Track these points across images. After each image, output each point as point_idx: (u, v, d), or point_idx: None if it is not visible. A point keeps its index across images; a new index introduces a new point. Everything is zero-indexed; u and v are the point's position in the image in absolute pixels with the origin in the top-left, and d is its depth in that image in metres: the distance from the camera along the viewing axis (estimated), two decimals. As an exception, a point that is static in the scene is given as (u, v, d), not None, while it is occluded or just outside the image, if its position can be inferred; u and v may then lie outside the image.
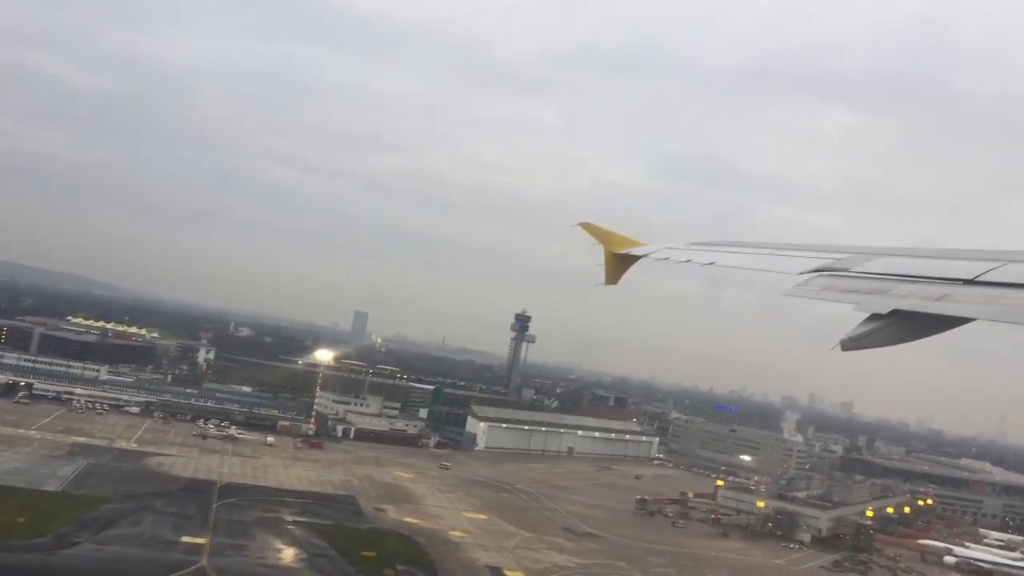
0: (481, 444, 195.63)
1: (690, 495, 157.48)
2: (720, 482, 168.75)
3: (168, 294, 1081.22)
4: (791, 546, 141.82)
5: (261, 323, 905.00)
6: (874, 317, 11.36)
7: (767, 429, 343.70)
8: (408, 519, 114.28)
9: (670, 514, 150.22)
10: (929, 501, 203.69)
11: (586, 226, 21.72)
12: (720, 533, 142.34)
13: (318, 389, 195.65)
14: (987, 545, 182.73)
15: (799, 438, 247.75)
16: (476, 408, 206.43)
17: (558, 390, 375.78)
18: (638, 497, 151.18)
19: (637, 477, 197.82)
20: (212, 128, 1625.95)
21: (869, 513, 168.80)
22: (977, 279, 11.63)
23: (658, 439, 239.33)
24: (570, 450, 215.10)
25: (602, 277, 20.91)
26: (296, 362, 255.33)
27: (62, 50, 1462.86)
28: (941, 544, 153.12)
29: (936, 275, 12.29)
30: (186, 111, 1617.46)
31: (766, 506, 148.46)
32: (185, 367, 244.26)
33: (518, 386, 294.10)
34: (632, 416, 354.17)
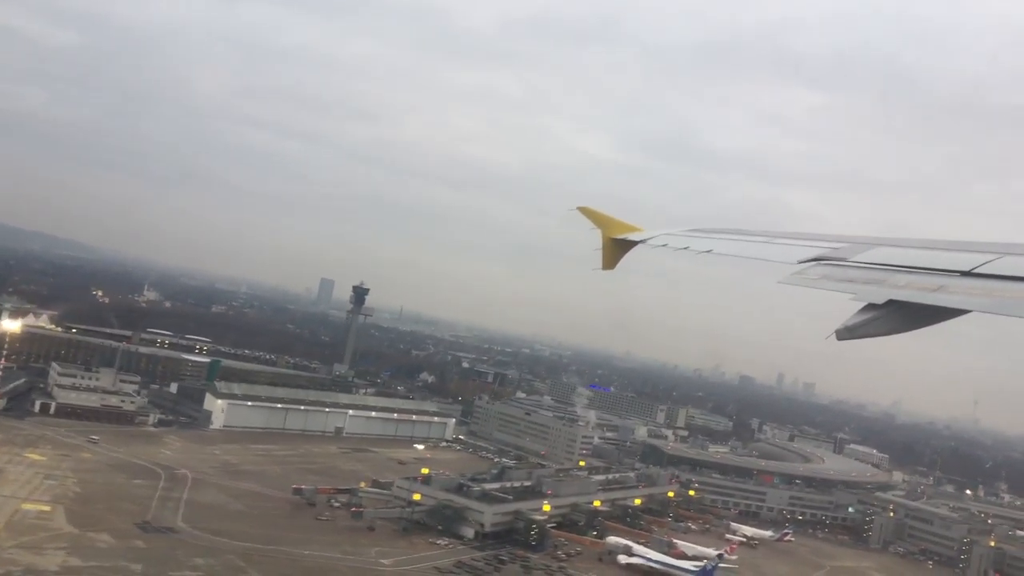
0: (219, 423, 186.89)
1: (363, 484, 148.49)
2: (425, 470, 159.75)
3: (141, 254, 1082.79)
4: (439, 542, 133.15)
5: (211, 282, 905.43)
6: (870, 307, 11.67)
7: (636, 414, 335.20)
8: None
9: (337, 505, 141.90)
10: (692, 492, 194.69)
11: (584, 210, 21.81)
12: (366, 527, 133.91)
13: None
14: (733, 536, 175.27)
15: (591, 421, 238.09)
16: (220, 384, 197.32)
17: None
18: (294, 486, 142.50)
19: (401, 462, 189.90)
20: (182, 89, 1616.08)
21: (597, 503, 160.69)
22: (974, 271, 12.04)
23: (454, 420, 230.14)
24: (338, 430, 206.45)
25: (599, 262, 20.91)
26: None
27: (29, 4, 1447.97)
28: (623, 542, 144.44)
29: (933, 266, 12.70)
30: (155, 71, 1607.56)
31: (423, 498, 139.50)
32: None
33: (354, 360, 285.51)
34: (508, 394, 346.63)
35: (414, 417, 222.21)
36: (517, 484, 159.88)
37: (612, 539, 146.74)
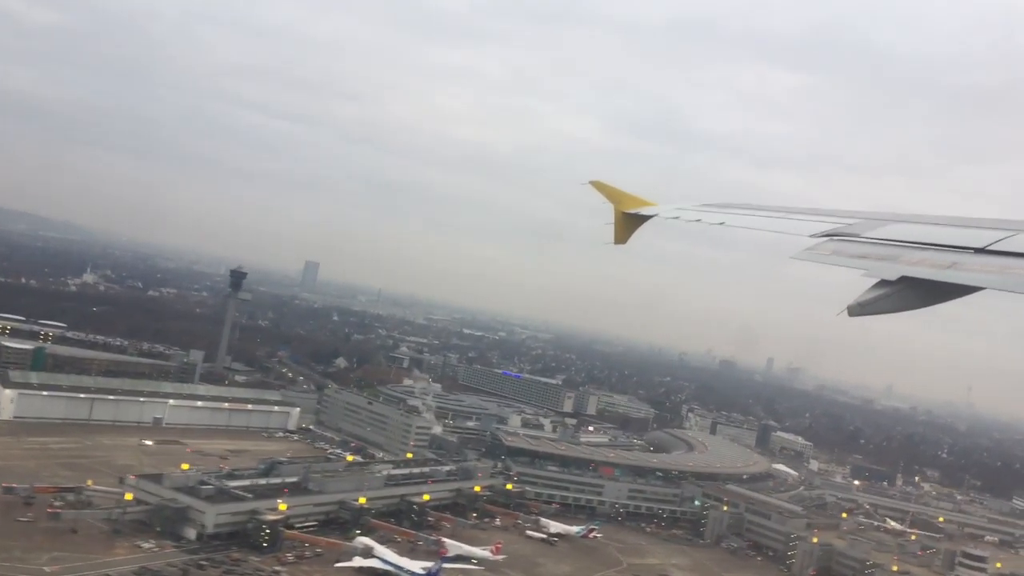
0: (7, 414, 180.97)
1: (90, 483, 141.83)
2: (185, 466, 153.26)
3: (134, 235, 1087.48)
4: (145, 545, 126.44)
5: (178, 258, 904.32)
6: (883, 283, 11.67)
7: (547, 404, 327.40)
8: None
9: (60, 504, 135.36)
10: (509, 486, 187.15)
11: (597, 184, 22.09)
12: (69, 530, 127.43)
13: None
14: (535, 532, 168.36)
15: (427, 414, 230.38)
16: (14, 373, 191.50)
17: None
18: (4, 484, 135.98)
19: (204, 455, 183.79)
20: (166, 67, 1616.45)
21: (362, 500, 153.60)
22: (988, 248, 11.95)
23: (298, 410, 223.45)
24: (157, 421, 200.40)
25: (611, 236, 21.31)
26: None
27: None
28: (367, 542, 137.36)
29: (946, 243, 12.65)
30: (136, 49, 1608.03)
31: (135, 497, 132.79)
32: None
33: (229, 349, 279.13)
34: (422, 380, 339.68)
35: (249, 407, 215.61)
36: (283, 481, 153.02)
37: (359, 539, 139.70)
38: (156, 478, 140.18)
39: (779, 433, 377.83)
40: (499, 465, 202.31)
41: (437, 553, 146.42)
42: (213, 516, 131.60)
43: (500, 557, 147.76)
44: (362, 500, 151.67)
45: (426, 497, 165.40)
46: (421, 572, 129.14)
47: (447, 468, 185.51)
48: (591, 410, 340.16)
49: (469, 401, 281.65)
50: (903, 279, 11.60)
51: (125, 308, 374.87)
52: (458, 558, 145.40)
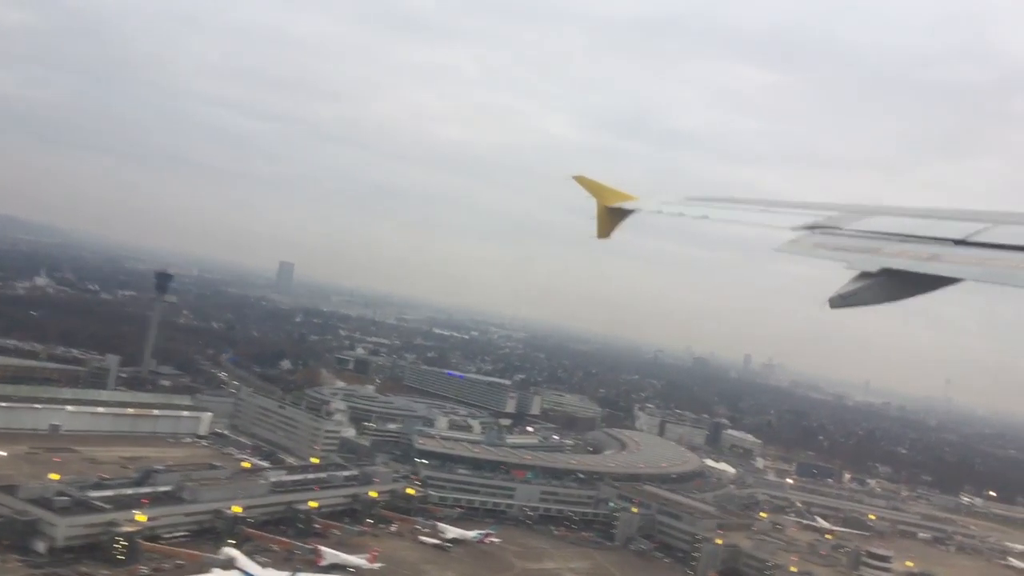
0: None
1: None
2: (55, 475, 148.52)
3: (111, 237, 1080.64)
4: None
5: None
6: (864, 275, 11.90)
7: (490, 404, 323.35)
8: None
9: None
10: (410, 491, 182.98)
11: (580, 179, 22.22)
12: None
13: None
14: (429, 538, 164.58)
15: (337, 416, 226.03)
16: None
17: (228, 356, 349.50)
18: None
19: (96, 462, 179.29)
20: (143, 67, 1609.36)
21: (237, 509, 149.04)
22: (967, 240, 12.15)
23: (210, 415, 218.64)
24: (54, 428, 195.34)
25: (594, 231, 21.52)
26: None
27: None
28: (233, 554, 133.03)
29: (927, 235, 12.88)
30: (113, 49, 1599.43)
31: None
32: None
33: (153, 354, 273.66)
34: (368, 383, 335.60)
35: (156, 412, 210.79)
36: (153, 490, 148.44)
37: (224, 551, 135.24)
38: (10, 489, 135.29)
39: (730, 431, 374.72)
40: (407, 469, 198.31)
41: (313, 562, 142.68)
42: (64, 528, 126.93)
43: (376, 565, 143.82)
44: (236, 509, 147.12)
45: (313, 504, 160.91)
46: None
47: (346, 474, 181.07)
48: (535, 410, 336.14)
49: (400, 403, 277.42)
50: (884, 271, 11.80)
51: (66, 312, 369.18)
52: (333, 567, 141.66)
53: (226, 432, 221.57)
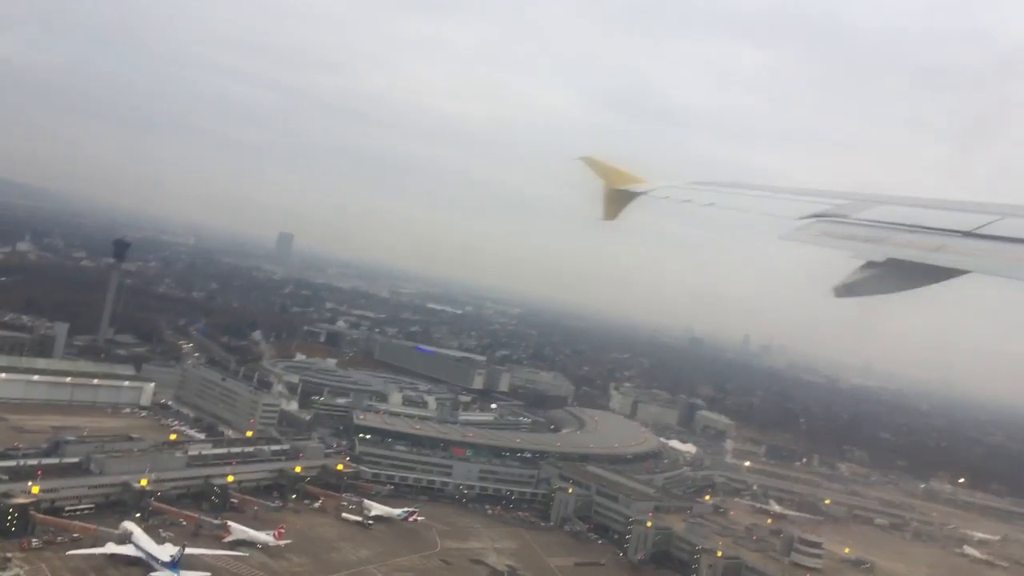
0: None
1: None
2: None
3: (114, 202, 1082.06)
4: None
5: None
6: (870, 265, 11.86)
7: (458, 380, 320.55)
8: None
9: None
10: (340, 467, 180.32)
11: (588, 160, 22.71)
12: None
13: None
14: (352, 515, 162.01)
15: (279, 387, 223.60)
16: None
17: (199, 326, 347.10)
18: None
19: (23, 431, 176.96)
20: (145, 34, 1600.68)
21: (144, 482, 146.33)
22: (975, 232, 11.99)
23: (152, 385, 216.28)
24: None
25: (600, 212, 21.92)
26: None
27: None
28: (130, 528, 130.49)
29: (934, 225, 12.78)
30: (113, 15, 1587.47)
31: None
32: None
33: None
34: (338, 354, 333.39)
35: (95, 382, 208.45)
36: (60, 462, 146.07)
37: (124, 524, 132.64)
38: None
39: (704, 412, 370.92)
40: (345, 445, 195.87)
41: (219, 537, 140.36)
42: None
43: (283, 542, 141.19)
44: (144, 482, 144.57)
45: (231, 478, 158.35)
46: (167, 559, 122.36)
47: (275, 448, 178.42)
48: (503, 387, 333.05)
49: (358, 377, 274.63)
50: (890, 261, 11.68)
51: (38, 279, 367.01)
52: (238, 543, 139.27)
53: (171, 403, 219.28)
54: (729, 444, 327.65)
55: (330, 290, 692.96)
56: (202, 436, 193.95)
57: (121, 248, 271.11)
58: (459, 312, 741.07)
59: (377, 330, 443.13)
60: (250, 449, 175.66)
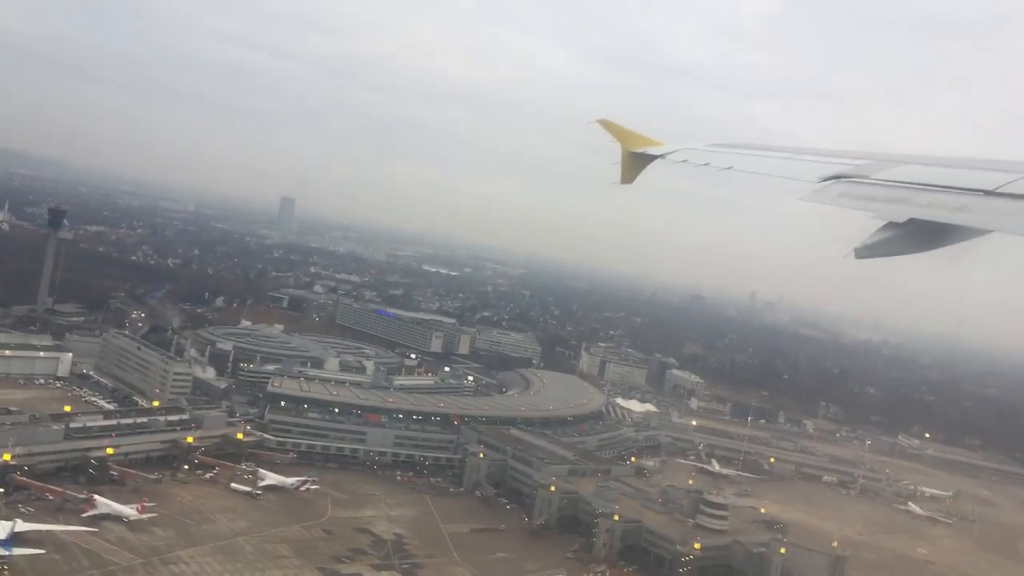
0: None
1: None
2: None
3: (115, 170, 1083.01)
4: None
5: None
6: (891, 225, 11.72)
7: (418, 344, 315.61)
8: None
9: None
10: (240, 436, 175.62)
11: (604, 123, 22.18)
12: None
13: None
14: (240, 485, 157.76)
15: (190, 352, 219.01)
16: None
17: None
18: None
19: None
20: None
21: (7, 457, 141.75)
22: (998, 191, 11.66)
23: (70, 355, 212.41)
24: None
25: (617, 176, 21.54)
26: None
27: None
28: None
29: (956, 185, 12.46)
30: None
31: None
32: None
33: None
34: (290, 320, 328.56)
35: (7, 352, 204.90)
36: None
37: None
38: None
39: (675, 371, 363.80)
40: (256, 413, 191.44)
41: (80, 511, 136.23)
42: None
43: (147, 516, 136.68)
44: (7, 456, 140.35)
45: (110, 451, 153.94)
46: (1, 536, 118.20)
47: (170, 418, 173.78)
48: (463, 350, 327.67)
49: (297, 343, 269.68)
50: (911, 221, 11.56)
51: (8, 249, 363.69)
52: (102, 517, 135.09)
53: (91, 373, 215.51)
54: (694, 403, 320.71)
55: (322, 254, 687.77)
56: (111, 407, 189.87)
57: (57, 216, 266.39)
58: (455, 274, 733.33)
59: (354, 294, 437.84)
60: (143, 420, 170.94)
